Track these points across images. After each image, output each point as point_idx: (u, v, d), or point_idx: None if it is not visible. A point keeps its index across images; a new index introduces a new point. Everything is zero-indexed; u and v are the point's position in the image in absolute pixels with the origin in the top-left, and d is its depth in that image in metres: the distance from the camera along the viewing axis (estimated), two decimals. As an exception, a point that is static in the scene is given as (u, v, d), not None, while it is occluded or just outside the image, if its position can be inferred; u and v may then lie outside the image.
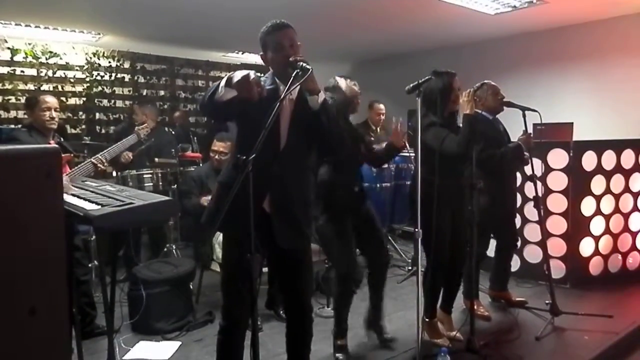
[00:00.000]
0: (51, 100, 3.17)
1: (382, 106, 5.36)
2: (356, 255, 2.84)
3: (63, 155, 2.90)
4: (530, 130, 3.42)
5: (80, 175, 2.90)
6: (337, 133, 2.08)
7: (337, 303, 2.89)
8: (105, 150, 3.22)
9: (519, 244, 3.84)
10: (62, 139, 3.47)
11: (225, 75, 1.88)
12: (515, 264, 4.37)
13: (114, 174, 4.62)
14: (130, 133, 3.68)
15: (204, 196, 3.81)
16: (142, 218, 1.77)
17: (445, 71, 2.96)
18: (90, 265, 3.97)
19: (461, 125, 2.92)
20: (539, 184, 3.45)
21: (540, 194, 3.44)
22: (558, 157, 4.10)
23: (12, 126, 5.65)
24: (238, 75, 1.80)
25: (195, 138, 6.26)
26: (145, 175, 4.61)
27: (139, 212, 1.70)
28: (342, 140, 2.15)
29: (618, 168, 4.22)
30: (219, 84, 1.87)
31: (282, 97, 1.78)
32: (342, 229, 2.79)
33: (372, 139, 4.16)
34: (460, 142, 2.80)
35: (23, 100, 6.17)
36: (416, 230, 2.51)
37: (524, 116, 3.32)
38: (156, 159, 4.83)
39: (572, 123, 4.83)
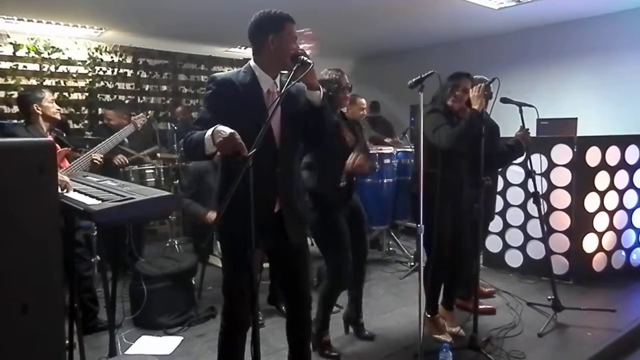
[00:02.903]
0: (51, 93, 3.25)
1: (363, 101, 5.25)
2: (350, 253, 2.76)
3: (61, 149, 2.93)
4: (533, 126, 3.40)
5: (79, 170, 2.91)
6: (331, 127, 2.10)
7: (325, 300, 2.85)
8: (103, 142, 3.22)
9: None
10: (64, 134, 3.48)
11: (210, 130, 1.76)
12: (518, 259, 4.38)
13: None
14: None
15: (202, 195, 3.82)
16: (143, 213, 1.76)
17: (460, 73, 2.96)
18: (92, 260, 3.98)
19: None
20: (538, 179, 3.43)
21: (539, 190, 3.42)
22: (562, 153, 4.08)
23: (15, 121, 5.65)
24: (222, 136, 1.71)
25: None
26: (147, 171, 4.61)
27: (139, 207, 1.69)
28: (333, 134, 2.16)
29: (622, 164, 4.19)
30: (204, 140, 1.78)
31: (283, 91, 1.77)
32: (335, 226, 2.74)
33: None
34: (451, 135, 2.77)
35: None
36: (418, 225, 2.50)
37: (521, 112, 3.30)
38: (158, 155, 4.84)
39: (576, 118, 4.78)
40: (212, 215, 3.71)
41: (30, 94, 3.17)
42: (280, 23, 1.94)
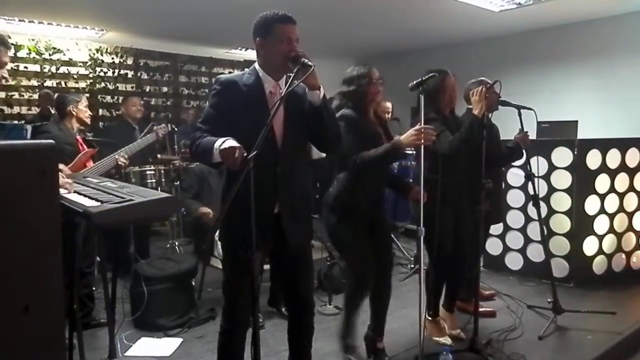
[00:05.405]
0: None
1: (389, 104, 5.22)
2: (371, 260, 2.63)
3: (87, 149, 3.17)
4: (533, 128, 3.40)
5: (103, 171, 3.04)
6: (335, 129, 2.08)
7: (349, 307, 2.72)
8: (126, 147, 3.37)
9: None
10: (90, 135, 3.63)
11: (221, 141, 1.78)
12: (518, 262, 4.37)
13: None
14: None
15: (203, 197, 3.83)
16: (143, 215, 1.76)
17: (438, 70, 2.85)
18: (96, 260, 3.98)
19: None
20: (537, 182, 3.43)
21: (538, 193, 3.42)
22: (562, 155, 4.07)
23: (15, 122, 5.65)
24: (226, 146, 1.73)
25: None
26: (147, 172, 4.61)
27: (138, 209, 1.69)
28: (339, 136, 2.14)
29: (623, 167, 4.18)
30: (213, 150, 1.79)
31: (282, 94, 1.77)
32: (360, 233, 2.61)
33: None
34: (452, 142, 2.76)
35: (26, 96, 6.19)
36: (419, 228, 2.49)
37: (520, 115, 3.30)
38: (159, 155, 4.84)
39: (577, 121, 4.79)
40: (206, 210, 3.70)
41: (68, 95, 3.48)
42: (270, 26, 1.93)
